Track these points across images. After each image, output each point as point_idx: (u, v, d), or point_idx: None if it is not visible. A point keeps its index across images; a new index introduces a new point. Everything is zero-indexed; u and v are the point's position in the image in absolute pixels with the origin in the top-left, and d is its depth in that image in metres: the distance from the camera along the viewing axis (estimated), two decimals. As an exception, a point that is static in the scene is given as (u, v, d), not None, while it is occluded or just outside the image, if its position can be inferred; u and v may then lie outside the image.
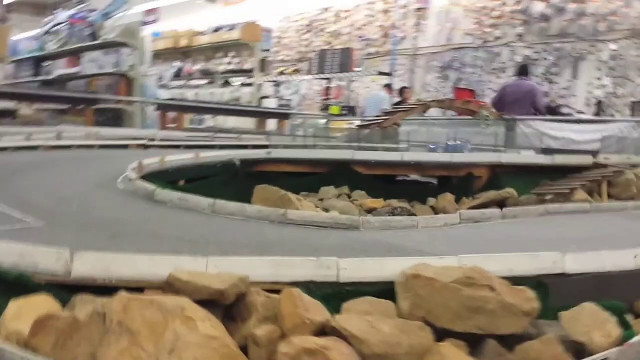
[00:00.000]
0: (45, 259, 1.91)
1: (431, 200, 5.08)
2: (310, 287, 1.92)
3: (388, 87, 12.27)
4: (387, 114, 7.65)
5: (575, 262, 2.24)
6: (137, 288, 1.84)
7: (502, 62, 13.26)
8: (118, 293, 1.68)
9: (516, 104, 8.88)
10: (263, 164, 5.30)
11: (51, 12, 14.09)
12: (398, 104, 10.71)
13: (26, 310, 1.74)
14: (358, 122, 9.94)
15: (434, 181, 6.39)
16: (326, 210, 4.29)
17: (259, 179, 4.74)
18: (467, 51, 13.89)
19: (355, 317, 1.72)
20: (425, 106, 7.74)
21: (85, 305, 1.76)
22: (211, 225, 2.98)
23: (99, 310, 1.63)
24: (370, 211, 4.56)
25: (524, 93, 8.99)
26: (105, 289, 1.86)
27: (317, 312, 1.71)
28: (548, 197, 4.76)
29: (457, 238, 3.17)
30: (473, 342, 1.78)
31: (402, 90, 11.72)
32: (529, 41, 12.82)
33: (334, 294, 1.96)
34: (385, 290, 1.99)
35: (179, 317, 1.56)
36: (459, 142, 6.98)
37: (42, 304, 1.77)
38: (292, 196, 3.79)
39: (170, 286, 1.74)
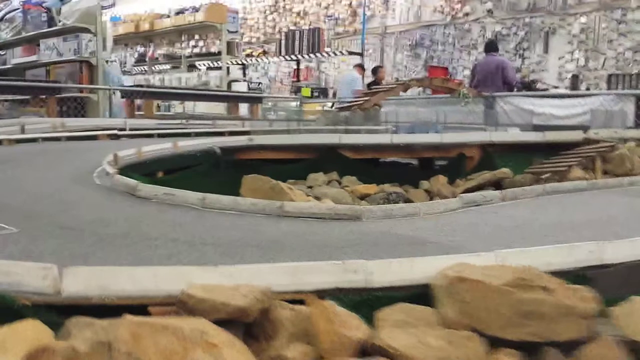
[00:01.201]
0: (29, 276, 1.65)
1: (424, 183, 4.90)
2: (338, 296, 1.69)
3: (360, 66, 12.02)
4: (366, 94, 7.44)
5: (614, 251, 2.06)
6: (139, 306, 1.60)
7: (473, 39, 13.17)
8: (120, 314, 1.43)
9: (487, 80, 8.81)
10: (245, 152, 5.05)
11: (3, -2, 13.44)
12: (372, 83, 10.52)
13: (12, 340, 1.48)
14: (331, 104, 9.68)
15: (414, 161, 6.25)
16: (317, 198, 4.08)
17: (242, 168, 4.53)
18: (436, 28, 13.73)
19: (399, 331, 1.50)
20: (404, 85, 7.55)
21: (82, 331, 1.51)
22: (204, 223, 2.74)
23: (101, 338, 1.38)
24: (363, 197, 4.36)
25: (494, 68, 8.93)
26: (103, 309, 1.61)
27: (355, 326, 1.49)
28: (544, 176, 4.62)
29: (465, 226, 2.98)
30: (526, 350, 1.58)
31: (375, 70, 11.49)
32: (498, 16, 12.74)
33: (362, 301, 1.74)
34: (416, 295, 1.78)
35: (199, 344, 1.32)
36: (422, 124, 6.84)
37: (31, 331, 1.51)
38: (284, 185, 3.56)
39: (182, 304, 1.49)
